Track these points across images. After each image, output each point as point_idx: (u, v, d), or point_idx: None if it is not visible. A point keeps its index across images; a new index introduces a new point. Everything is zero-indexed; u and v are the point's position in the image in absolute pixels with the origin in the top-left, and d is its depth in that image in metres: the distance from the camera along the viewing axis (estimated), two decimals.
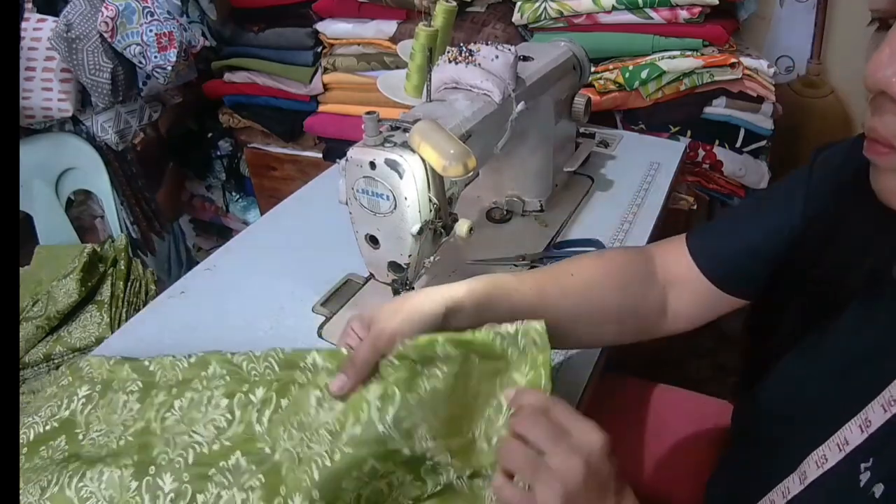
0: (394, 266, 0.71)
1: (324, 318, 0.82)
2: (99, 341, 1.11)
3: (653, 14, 1.26)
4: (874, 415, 0.43)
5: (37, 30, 1.31)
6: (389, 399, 0.50)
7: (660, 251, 0.69)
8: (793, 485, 0.48)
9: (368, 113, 0.65)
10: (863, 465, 0.43)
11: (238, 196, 1.92)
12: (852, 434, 0.44)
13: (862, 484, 0.43)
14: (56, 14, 1.32)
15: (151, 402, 0.64)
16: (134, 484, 0.57)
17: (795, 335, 0.54)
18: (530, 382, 0.51)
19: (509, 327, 0.52)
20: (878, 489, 0.42)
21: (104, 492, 0.57)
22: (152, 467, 0.58)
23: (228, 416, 0.60)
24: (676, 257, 0.67)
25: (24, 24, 1.31)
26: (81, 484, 0.58)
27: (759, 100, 1.30)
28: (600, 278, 0.65)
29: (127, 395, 0.66)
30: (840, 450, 0.45)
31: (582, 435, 0.45)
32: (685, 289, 0.66)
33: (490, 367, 0.53)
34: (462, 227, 0.72)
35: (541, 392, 0.50)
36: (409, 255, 0.69)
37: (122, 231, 1.42)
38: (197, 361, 0.65)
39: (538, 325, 0.51)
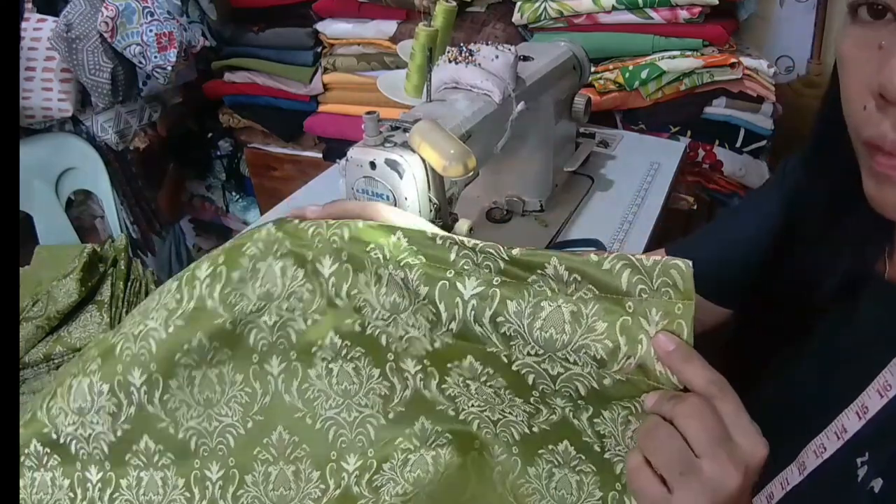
0: None
1: None
2: None
3: (653, 14, 1.26)
4: (870, 401, 0.43)
5: (37, 30, 1.32)
6: (487, 300, 0.44)
7: None
8: (792, 475, 0.48)
9: (368, 113, 0.65)
10: (859, 460, 0.43)
11: (238, 196, 1.92)
12: (850, 421, 0.44)
13: (860, 479, 0.43)
14: (56, 14, 1.32)
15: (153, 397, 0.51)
16: (181, 481, 0.52)
17: (783, 335, 0.55)
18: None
19: (644, 259, 0.41)
20: (877, 483, 0.42)
21: (142, 497, 0.52)
22: (197, 460, 0.52)
23: (248, 390, 0.52)
24: None
25: (24, 24, 1.31)
26: (116, 494, 0.52)
27: (759, 100, 1.29)
28: None
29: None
30: (839, 438, 0.45)
31: (747, 442, 0.38)
32: None
33: (606, 306, 0.42)
34: (462, 227, 0.72)
35: (709, 368, 0.40)
36: None
37: (122, 231, 1.42)
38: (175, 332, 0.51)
39: (682, 264, 0.40)
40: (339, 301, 0.50)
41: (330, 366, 0.51)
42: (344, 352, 0.51)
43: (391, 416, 0.50)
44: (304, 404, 0.51)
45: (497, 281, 0.45)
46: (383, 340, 0.50)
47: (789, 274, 0.55)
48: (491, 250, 0.45)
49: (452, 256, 0.47)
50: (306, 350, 0.51)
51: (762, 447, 0.38)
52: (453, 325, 0.46)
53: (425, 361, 0.48)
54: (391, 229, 0.49)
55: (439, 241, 0.48)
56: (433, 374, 0.49)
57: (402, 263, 0.47)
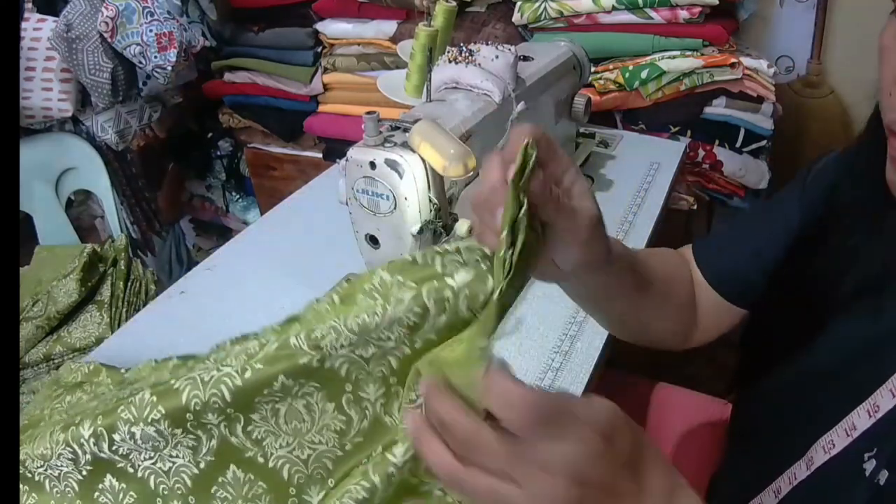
0: None
1: None
2: (99, 341, 1.11)
3: (653, 14, 1.26)
4: (882, 400, 0.43)
5: (37, 30, 1.32)
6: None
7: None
8: (799, 470, 0.48)
9: (368, 113, 0.65)
10: (867, 455, 0.43)
11: (238, 196, 1.92)
12: (860, 419, 0.44)
13: (868, 473, 0.43)
14: (56, 14, 1.32)
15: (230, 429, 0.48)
16: None
17: (797, 329, 0.55)
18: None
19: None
20: (883, 476, 0.42)
21: None
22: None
23: (343, 417, 0.48)
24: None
25: (24, 24, 1.31)
26: None
27: (759, 100, 1.30)
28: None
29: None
30: (848, 435, 0.45)
31: (584, 409, 0.32)
32: (698, 300, 0.65)
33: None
34: (462, 227, 0.72)
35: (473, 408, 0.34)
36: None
37: (122, 231, 1.42)
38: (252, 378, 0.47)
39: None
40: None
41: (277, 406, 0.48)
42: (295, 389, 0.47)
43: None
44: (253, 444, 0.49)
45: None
46: (343, 371, 0.46)
47: (812, 273, 0.54)
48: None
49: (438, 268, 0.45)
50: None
51: (602, 403, 0.33)
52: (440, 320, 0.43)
53: (391, 380, 0.46)
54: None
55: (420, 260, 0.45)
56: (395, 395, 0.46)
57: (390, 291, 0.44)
